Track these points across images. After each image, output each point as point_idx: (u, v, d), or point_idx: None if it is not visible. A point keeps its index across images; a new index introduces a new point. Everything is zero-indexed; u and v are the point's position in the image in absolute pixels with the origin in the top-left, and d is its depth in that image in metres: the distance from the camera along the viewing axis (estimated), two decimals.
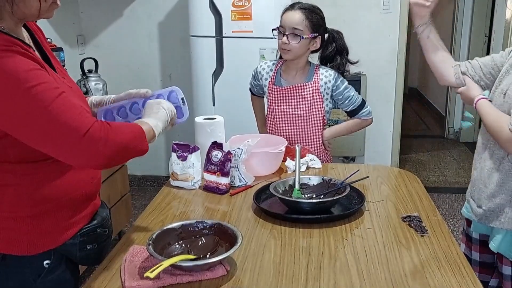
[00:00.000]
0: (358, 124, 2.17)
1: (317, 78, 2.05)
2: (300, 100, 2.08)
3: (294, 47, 1.98)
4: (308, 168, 1.98)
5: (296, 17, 1.96)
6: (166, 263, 1.15)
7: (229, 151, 1.75)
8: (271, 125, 2.18)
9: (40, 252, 1.20)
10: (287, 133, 2.14)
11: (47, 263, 1.22)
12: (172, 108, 1.38)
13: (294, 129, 2.12)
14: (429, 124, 6.31)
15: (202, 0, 3.10)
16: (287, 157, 1.99)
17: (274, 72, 2.14)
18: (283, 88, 2.10)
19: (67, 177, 1.22)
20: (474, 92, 1.62)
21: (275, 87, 2.12)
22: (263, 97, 2.29)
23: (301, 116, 2.09)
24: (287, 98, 2.10)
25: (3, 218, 1.17)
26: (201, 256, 1.24)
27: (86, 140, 1.07)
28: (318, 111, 2.08)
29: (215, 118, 1.91)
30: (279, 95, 2.12)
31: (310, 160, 2.01)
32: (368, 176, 1.77)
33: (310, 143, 2.14)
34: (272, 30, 2.05)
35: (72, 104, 1.10)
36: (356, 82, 3.68)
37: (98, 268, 1.26)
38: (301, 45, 1.98)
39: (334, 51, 2.08)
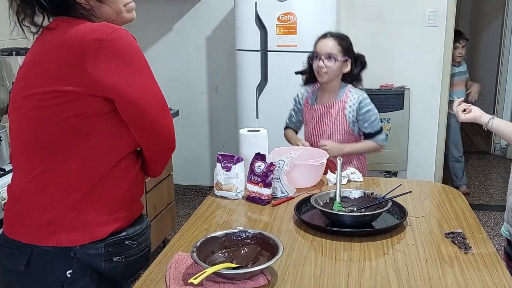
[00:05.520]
0: (371, 148, 2.29)
1: (345, 98, 2.24)
2: (328, 116, 2.26)
3: (330, 69, 2.19)
4: (349, 181, 1.99)
5: (330, 44, 2.20)
6: (209, 270, 1.18)
7: (271, 162, 1.79)
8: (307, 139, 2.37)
9: (64, 246, 1.21)
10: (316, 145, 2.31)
11: (69, 273, 1.22)
12: None
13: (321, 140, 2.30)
14: (474, 140, 6.12)
15: (248, 15, 3.16)
16: (328, 170, 2.01)
17: (310, 94, 2.34)
18: (315, 107, 2.30)
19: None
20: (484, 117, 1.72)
21: (309, 105, 2.34)
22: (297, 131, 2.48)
23: (326, 130, 2.28)
24: (318, 114, 2.29)
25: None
26: (243, 265, 1.27)
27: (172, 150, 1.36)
28: (341, 127, 2.25)
29: (259, 130, 1.95)
30: (311, 112, 2.32)
31: (351, 173, 2.02)
32: (411, 191, 1.76)
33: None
34: (308, 57, 2.28)
35: None
36: (399, 96, 3.65)
37: (145, 273, 1.31)
38: (336, 67, 2.19)
39: (359, 69, 2.28)
